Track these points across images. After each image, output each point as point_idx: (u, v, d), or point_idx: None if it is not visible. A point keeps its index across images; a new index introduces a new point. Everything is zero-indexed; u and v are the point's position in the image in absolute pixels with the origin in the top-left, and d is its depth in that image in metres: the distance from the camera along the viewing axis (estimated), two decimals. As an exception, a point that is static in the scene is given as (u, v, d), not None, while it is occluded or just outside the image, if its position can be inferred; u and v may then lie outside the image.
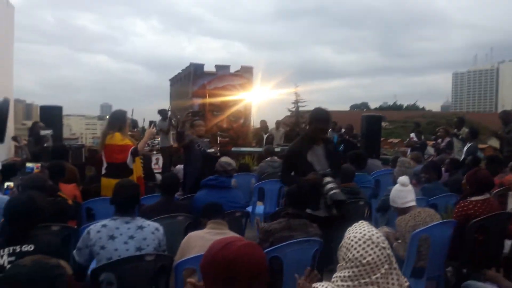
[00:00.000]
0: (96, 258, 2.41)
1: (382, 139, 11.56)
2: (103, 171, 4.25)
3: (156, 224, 2.64)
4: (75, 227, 3.32)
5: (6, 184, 3.74)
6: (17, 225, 2.26)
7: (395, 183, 4.63)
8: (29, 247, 2.19)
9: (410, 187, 3.49)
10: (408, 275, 3.11)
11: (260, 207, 5.50)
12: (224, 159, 4.08)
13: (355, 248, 1.59)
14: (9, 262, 2.15)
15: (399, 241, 3.31)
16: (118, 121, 4.21)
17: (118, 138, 4.12)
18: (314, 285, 1.66)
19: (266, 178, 5.84)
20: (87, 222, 3.74)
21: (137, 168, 4.13)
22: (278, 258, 2.60)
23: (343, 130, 10.94)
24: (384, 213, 4.39)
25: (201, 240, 2.53)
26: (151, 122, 4.85)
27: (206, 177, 3.97)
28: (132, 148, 4.12)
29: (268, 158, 6.46)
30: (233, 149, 10.91)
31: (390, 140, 17.20)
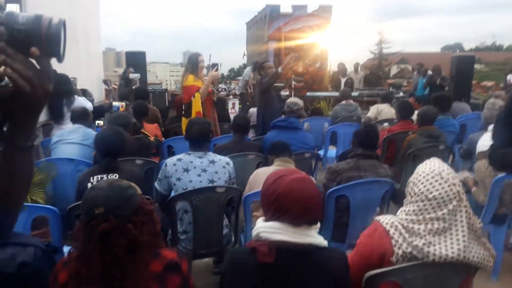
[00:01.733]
0: (174, 188, 2.63)
1: (474, 82, 10.53)
2: (183, 112, 4.50)
3: (227, 159, 2.78)
4: (157, 162, 3.61)
5: (97, 122, 4.15)
6: (105, 155, 2.54)
7: (483, 127, 4.28)
8: (114, 176, 2.47)
9: None
10: (487, 221, 2.95)
11: (332, 151, 5.45)
12: (291, 99, 4.07)
13: (422, 183, 1.56)
14: None
15: (478, 185, 3.12)
16: (189, 64, 4.39)
17: (190, 80, 4.32)
18: (378, 217, 1.66)
19: (340, 121, 5.73)
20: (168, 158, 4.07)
21: (196, 104, 4.30)
22: (345, 197, 2.61)
23: (429, 72, 10.13)
24: (467, 159, 4.11)
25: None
26: (213, 65, 4.93)
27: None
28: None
29: (344, 102, 6.27)
30: (308, 93, 10.75)
31: (484, 84, 15.56)
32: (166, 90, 10.25)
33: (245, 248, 1.43)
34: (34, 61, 0.69)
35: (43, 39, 0.66)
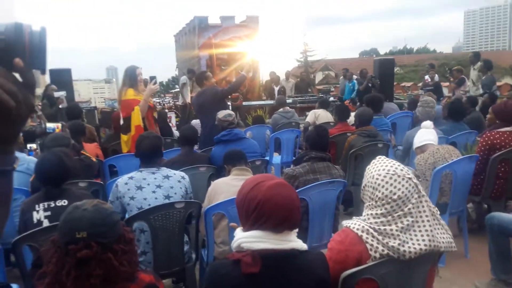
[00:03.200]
0: (127, 208, 2.49)
1: (394, 83, 11.37)
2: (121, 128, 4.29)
3: (182, 173, 2.70)
4: (100, 182, 3.40)
5: (29, 145, 3.81)
6: (49, 182, 2.33)
7: (416, 124, 4.62)
8: (63, 202, 2.28)
9: (431, 130, 3.51)
10: (430, 211, 3.17)
11: (277, 157, 5.56)
12: (221, 113, 3.99)
13: (383, 186, 1.58)
14: (45, 217, 2.24)
15: (420, 179, 3.34)
16: (127, 77, 4.21)
17: (130, 94, 4.14)
18: (344, 223, 1.68)
19: (280, 128, 5.86)
20: (110, 179, 3.85)
21: (135, 118, 4.15)
22: (303, 200, 2.65)
23: (355, 76, 10.76)
24: (403, 157, 4.40)
25: (227, 186, 2.58)
26: (151, 78, 4.81)
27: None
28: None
29: (281, 109, 6.43)
30: (243, 103, 10.87)
31: (403, 84, 16.90)
32: (95, 107, 9.76)
33: (227, 261, 1.39)
34: (16, 74, 0.62)
35: (27, 50, 0.60)
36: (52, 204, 2.26)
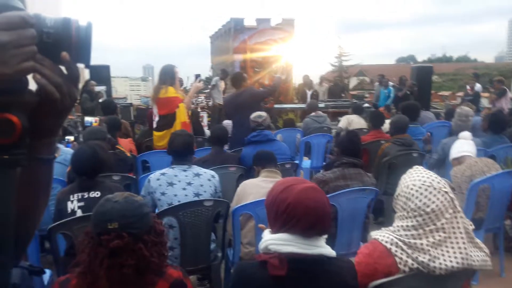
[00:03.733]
0: (158, 204, 2.54)
1: (432, 92, 11.06)
2: (155, 125, 4.38)
3: (212, 172, 2.73)
4: (133, 176, 3.48)
5: (66, 138, 3.97)
6: (83, 173, 2.42)
7: (453, 134, 4.47)
8: (96, 194, 2.36)
9: (470, 141, 3.38)
10: (465, 225, 3.05)
11: (306, 162, 5.51)
12: (254, 114, 4.01)
13: (417, 197, 1.53)
14: (79, 207, 2.32)
15: (455, 191, 3.23)
16: (167, 75, 4.27)
17: (172, 92, 4.22)
18: (373, 234, 1.64)
19: (311, 133, 5.80)
20: (143, 174, 3.94)
21: (181, 114, 4.23)
22: (333, 206, 2.62)
23: (390, 83, 10.54)
24: (441, 167, 4.27)
25: (256, 188, 2.58)
26: (197, 76, 4.89)
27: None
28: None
29: (313, 113, 6.38)
30: (275, 105, 10.85)
31: (441, 93, 16.39)
32: (131, 104, 10.02)
33: (254, 261, 1.38)
34: (62, 67, 0.64)
35: (73, 44, 0.61)
36: (86, 195, 2.34)
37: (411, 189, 1.56)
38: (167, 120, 4.21)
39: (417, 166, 1.69)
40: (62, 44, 0.60)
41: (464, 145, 3.30)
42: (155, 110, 4.37)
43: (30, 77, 0.61)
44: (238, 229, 2.54)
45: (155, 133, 4.37)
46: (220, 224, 2.73)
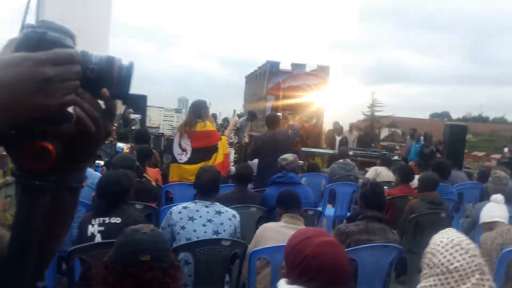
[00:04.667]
0: (177, 237, 2.53)
1: (465, 151, 10.78)
2: (184, 159, 4.44)
3: (234, 212, 2.71)
4: (155, 207, 3.51)
5: (96, 162, 4.08)
6: (107, 198, 2.47)
7: (485, 198, 4.29)
8: (117, 220, 2.38)
9: (503, 205, 3.23)
10: (494, 297, 2.86)
11: (330, 210, 5.38)
12: (281, 156, 4.05)
13: (442, 253, 1.49)
14: (98, 231, 2.35)
15: (485, 259, 3.05)
16: (202, 110, 4.42)
17: (210, 125, 4.39)
18: None
19: (337, 180, 5.72)
20: (165, 204, 3.97)
21: (224, 146, 4.36)
22: (353, 260, 2.53)
23: (421, 137, 10.36)
24: (468, 230, 4.08)
25: (276, 233, 2.54)
26: (234, 111, 5.04)
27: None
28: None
29: (341, 160, 6.30)
30: (302, 148, 10.84)
31: (474, 153, 15.95)
32: (162, 134, 10.26)
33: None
34: (100, 102, 0.67)
35: (114, 81, 0.64)
36: (107, 220, 2.37)
37: (438, 245, 1.54)
38: (203, 154, 4.31)
39: (450, 228, 1.65)
40: (104, 81, 0.63)
41: (496, 210, 3.15)
42: (185, 143, 4.46)
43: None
44: (254, 273, 2.48)
45: (186, 167, 4.40)
46: (236, 266, 2.68)
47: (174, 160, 4.44)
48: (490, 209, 3.26)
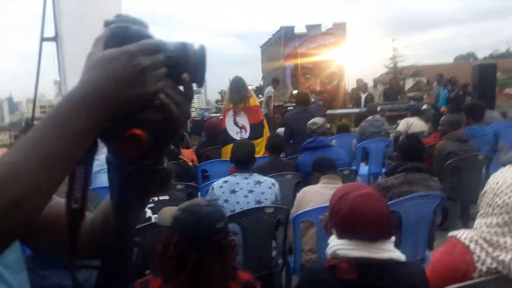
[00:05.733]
0: (221, 211, 2.63)
1: (496, 90, 10.39)
2: (245, 136, 4.57)
3: (273, 180, 2.78)
4: (195, 185, 3.63)
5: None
6: None
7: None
8: (165, 197, 2.52)
9: None
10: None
11: (364, 168, 5.39)
12: (310, 121, 4.09)
13: (506, 193, 1.44)
14: (149, 208, 2.48)
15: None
16: (244, 87, 4.67)
17: (255, 100, 4.63)
18: (453, 233, 1.58)
19: (368, 137, 5.68)
20: (202, 182, 4.09)
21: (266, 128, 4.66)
22: (397, 213, 2.56)
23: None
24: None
25: (316, 195, 2.60)
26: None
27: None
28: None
29: (370, 117, 6.23)
30: (328, 111, 10.75)
31: (506, 91, 15.32)
32: (187, 116, 10.38)
33: (323, 267, 1.41)
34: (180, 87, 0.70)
35: (191, 66, 0.66)
36: (156, 199, 2.50)
37: (501, 185, 1.48)
38: (259, 129, 4.47)
39: (511, 165, 1.61)
40: (182, 66, 0.66)
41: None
42: (242, 121, 4.59)
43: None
44: (299, 236, 2.56)
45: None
46: (280, 231, 2.77)
47: (228, 141, 4.46)
48: None
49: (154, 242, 1.60)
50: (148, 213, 2.45)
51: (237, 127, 4.61)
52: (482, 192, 1.58)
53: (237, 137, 4.56)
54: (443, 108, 7.09)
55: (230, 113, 4.69)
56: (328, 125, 4.57)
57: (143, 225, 2.34)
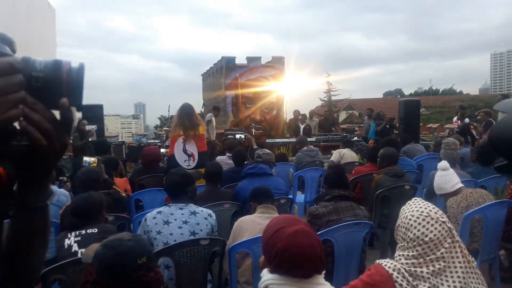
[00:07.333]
0: (154, 243, 2.51)
1: (420, 124, 11.28)
2: (193, 164, 4.51)
3: (209, 211, 2.73)
4: (127, 216, 3.46)
5: (60, 178, 3.95)
6: (80, 218, 2.45)
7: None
8: (93, 230, 2.37)
9: (451, 170, 3.42)
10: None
11: (300, 196, 5.52)
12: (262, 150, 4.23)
13: (415, 227, 1.57)
14: (75, 241, 2.31)
15: (452, 222, 3.24)
16: (195, 112, 4.65)
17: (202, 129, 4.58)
18: (378, 261, 1.66)
19: (304, 167, 5.85)
20: (135, 213, 3.91)
21: None
22: (328, 241, 2.62)
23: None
24: (429, 199, 4.31)
25: (252, 224, 2.58)
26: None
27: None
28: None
29: (305, 148, 6.45)
30: (267, 140, 10.96)
31: (429, 126, 16.71)
32: (123, 142, 10.05)
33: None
34: (55, 112, 0.62)
35: (64, 87, 0.59)
36: (83, 232, 2.35)
37: (409, 219, 1.60)
38: (206, 156, 4.40)
39: (415, 198, 1.74)
40: (53, 88, 0.58)
41: (453, 178, 3.34)
42: (191, 148, 4.51)
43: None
44: (235, 268, 2.51)
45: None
46: (216, 263, 2.70)
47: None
48: (448, 180, 3.41)
49: (78, 280, 1.49)
50: (74, 247, 2.29)
51: (186, 155, 4.52)
52: (396, 226, 1.68)
53: (185, 165, 4.49)
54: (370, 141, 7.54)
55: (180, 140, 4.60)
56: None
57: (67, 261, 2.18)
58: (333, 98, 26.61)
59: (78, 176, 3.12)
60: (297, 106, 12.27)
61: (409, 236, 1.58)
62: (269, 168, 4.09)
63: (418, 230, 1.56)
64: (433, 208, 1.63)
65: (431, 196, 4.30)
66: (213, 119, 9.40)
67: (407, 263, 1.56)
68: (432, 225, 1.56)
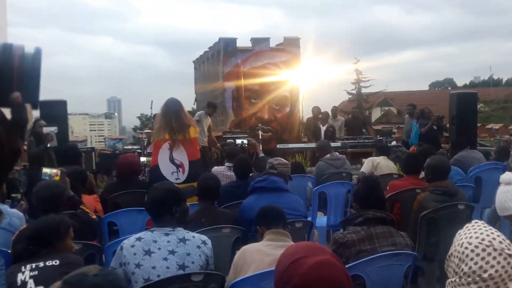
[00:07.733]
0: (132, 279, 2.53)
1: (478, 125, 11.25)
2: (183, 177, 4.55)
3: (203, 237, 2.74)
4: (98, 244, 3.48)
5: (12, 195, 4.00)
6: (38, 246, 2.49)
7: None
8: (54, 262, 2.40)
9: None
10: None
11: (322, 219, 5.49)
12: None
13: (472, 259, 1.57)
14: (30, 277, 2.35)
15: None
16: (184, 110, 4.78)
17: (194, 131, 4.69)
18: None
19: (327, 180, 5.84)
20: (109, 239, 3.94)
21: None
22: (359, 277, 2.62)
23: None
24: (494, 221, 4.29)
25: (259, 255, 2.59)
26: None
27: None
28: None
29: (327, 156, 6.42)
30: (278, 145, 10.96)
31: (489, 126, 16.64)
32: (93, 149, 10.11)
33: None
34: (4, 109, 0.61)
35: (16, 78, 0.58)
36: (41, 264, 2.38)
37: (466, 248, 1.61)
38: (198, 166, 4.39)
39: (476, 221, 1.73)
40: (1, 79, 0.56)
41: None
42: (180, 157, 4.57)
43: None
44: (236, 311, 2.52)
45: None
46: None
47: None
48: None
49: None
50: (30, 284, 2.33)
51: (173, 166, 4.54)
52: (448, 255, 1.68)
53: (172, 179, 4.52)
54: (413, 147, 7.50)
55: (166, 146, 4.62)
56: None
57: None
58: (363, 91, 26.53)
59: (35, 192, 3.15)
60: (317, 102, 12.30)
61: (463, 270, 1.59)
62: (284, 182, 4.10)
63: (476, 263, 1.56)
64: (499, 236, 1.62)
65: (495, 218, 4.28)
66: (205, 119, 9.23)
67: None
68: (494, 258, 1.56)
